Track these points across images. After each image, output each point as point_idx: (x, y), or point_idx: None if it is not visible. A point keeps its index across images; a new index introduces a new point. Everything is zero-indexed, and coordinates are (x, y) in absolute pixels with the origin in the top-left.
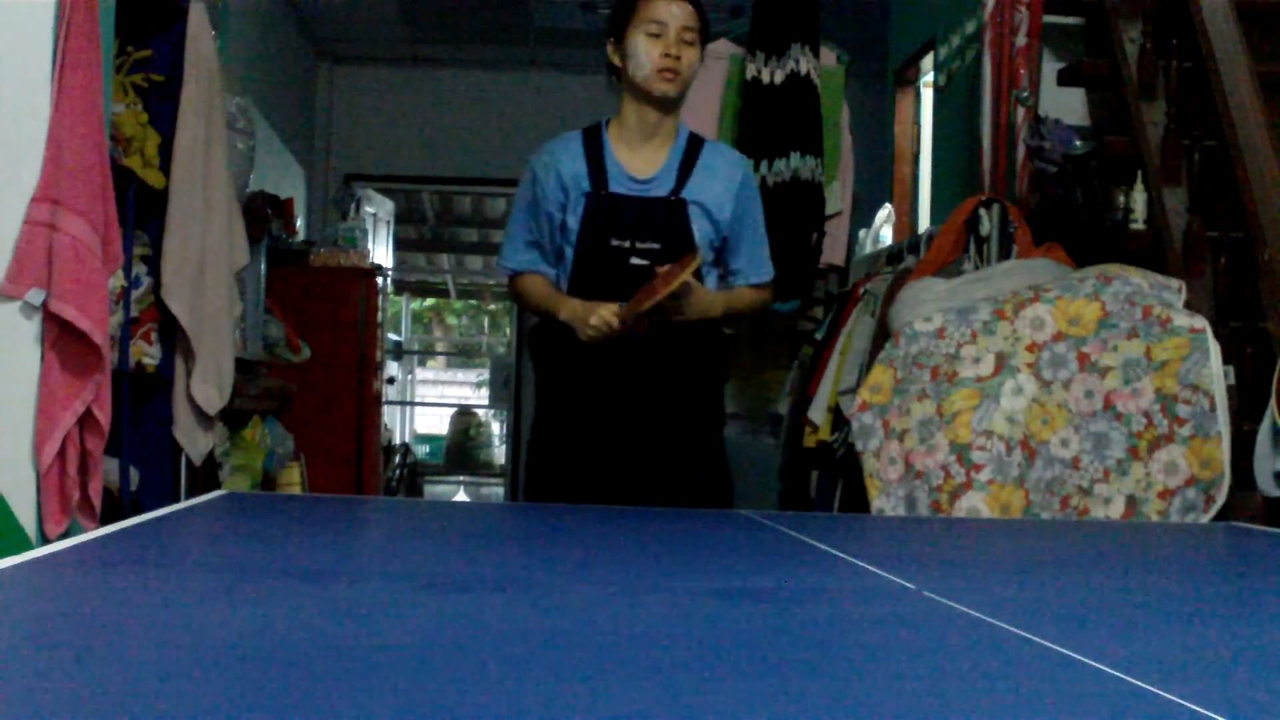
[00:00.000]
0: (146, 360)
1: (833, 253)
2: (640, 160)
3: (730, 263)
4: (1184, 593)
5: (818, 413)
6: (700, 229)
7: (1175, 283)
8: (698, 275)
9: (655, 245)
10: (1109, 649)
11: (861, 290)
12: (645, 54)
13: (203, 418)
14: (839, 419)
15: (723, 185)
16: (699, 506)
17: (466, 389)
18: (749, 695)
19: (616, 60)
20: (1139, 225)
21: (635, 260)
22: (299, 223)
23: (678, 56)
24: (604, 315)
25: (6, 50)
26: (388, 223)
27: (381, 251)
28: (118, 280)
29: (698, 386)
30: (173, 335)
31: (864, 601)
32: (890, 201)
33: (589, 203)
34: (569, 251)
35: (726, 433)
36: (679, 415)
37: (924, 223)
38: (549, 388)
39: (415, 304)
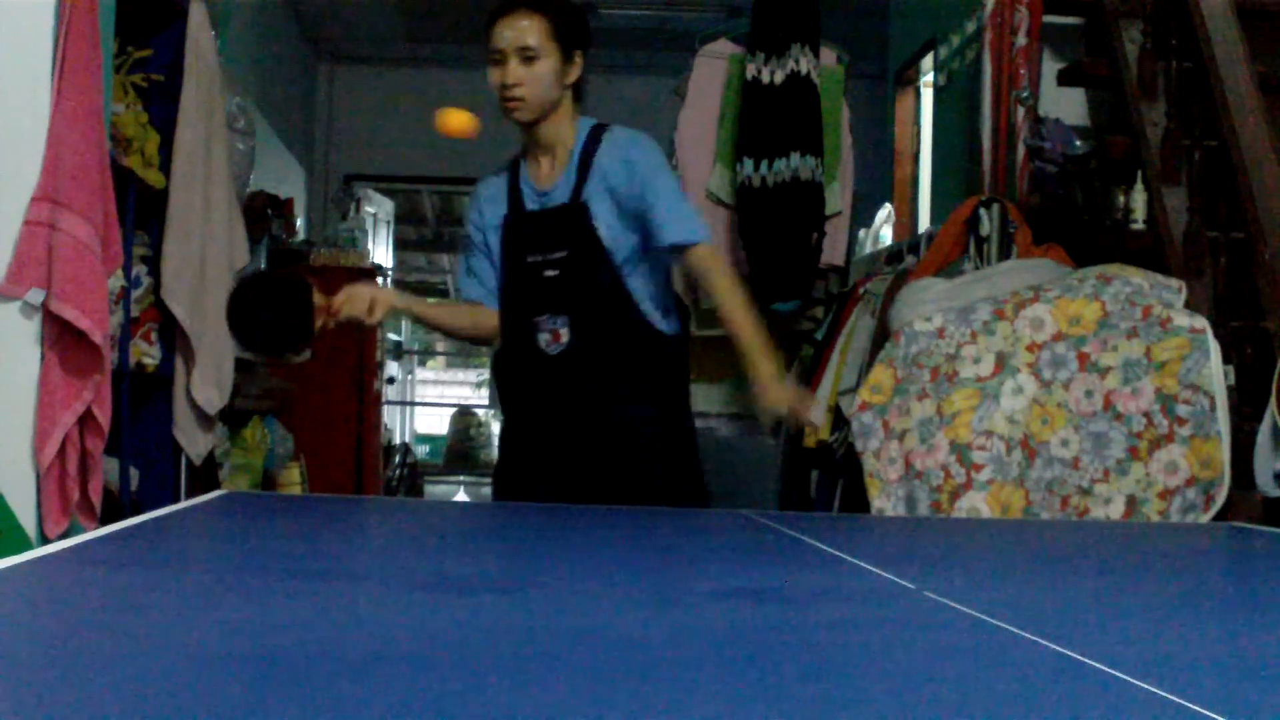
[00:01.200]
0: (146, 360)
1: (833, 253)
2: (544, 173)
3: (651, 242)
4: (1184, 593)
5: (818, 413)
6: (606, 225)
7: (1175, 283)
8: (610, 270)
9: (562, 253)
10: (1109, 649)
11: (861, 290)
12: (492, 85)
13: (203, 418)
14: (839, 419)
15: (615, 170)
16: (663, 503)
17: (466, 389)
18: (749, 695)
19: None
20: (1139, 225)
21: (548, 273)
22: (299, 223)
23: (515, 83)
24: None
25: (6, 50)
26: (388, 223)
27: (381, 251)
28: (118, 280)
29: (640, 387)
30: (173, 335)
31: (864, 601)
32: (890, 201)
33: (504, 224)
34: (500, 273)
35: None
36: (624, 417)
37: (924, 223)
38: (507, 412)
39: None
